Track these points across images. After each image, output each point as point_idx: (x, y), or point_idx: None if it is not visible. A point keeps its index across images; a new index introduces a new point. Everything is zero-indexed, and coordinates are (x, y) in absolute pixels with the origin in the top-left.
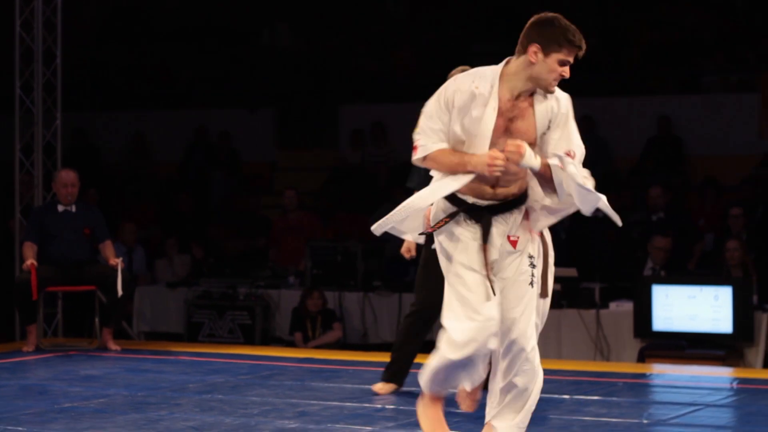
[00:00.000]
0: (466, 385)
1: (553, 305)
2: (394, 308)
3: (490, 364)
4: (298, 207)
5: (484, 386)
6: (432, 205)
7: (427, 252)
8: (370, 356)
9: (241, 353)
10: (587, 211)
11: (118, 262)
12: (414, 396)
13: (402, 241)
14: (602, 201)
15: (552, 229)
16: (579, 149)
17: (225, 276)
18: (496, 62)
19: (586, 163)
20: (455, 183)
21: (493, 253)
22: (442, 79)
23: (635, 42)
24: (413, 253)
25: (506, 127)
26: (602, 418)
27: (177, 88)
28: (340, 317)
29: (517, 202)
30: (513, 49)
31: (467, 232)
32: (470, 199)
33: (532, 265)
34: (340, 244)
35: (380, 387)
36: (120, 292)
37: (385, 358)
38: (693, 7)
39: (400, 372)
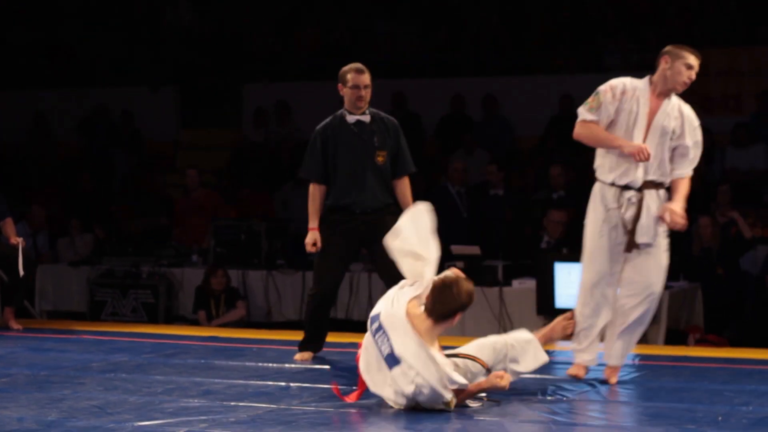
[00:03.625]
0: None
1: None
2: (298, 286)
3: None
4: (200, 186)
5: None
6: None
7: (325, 240)
8: (273, 334)
9: (144, 332)
10: None
11: (19, 242)
12: (319, 373)
13: (305, 221)
14: None
15: (453, 207)
16: None
17: (128, 255)
18: (399, 42)
19: (488, 143)
20: None
21: None
22: (346, 58)
23: (538, 21)
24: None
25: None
26: (505, 395)
27: (79, 67)
28: (244, 296)
29: None
30: (416, 29)
31: None
32: None
33: None
34: (244, 222)
35: (299, 356)
36: (21, 273)
37: (288, 336)
38: None
39: (315, 344)
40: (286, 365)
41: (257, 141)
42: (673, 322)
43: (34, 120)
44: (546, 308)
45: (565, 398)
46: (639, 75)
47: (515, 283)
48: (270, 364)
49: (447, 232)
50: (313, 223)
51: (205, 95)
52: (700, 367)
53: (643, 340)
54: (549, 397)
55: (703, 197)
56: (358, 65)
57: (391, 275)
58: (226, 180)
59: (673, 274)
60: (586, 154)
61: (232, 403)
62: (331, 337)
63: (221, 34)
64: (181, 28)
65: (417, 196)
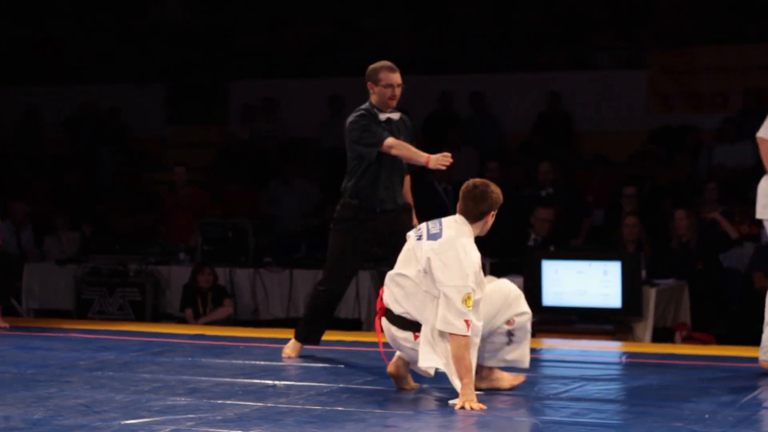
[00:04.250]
0: None
1: None
2: (285, 284)
3: None
4: (187, 183)
5: None
6: None
7: (343, 238)
8: (260, 332)
9: (131, 330)
10: None
11: None
12: (306, 371)
13: (292, 219)
14: None
15: (440, 204)
16: None
17: (115, 252)
18: (387, 39)
19: (476, 139)
20: None
21: None
22: (333, 55)
23: (526, 18)
24: None
25: None
26: (493, 390)
27: (66, 64)
28: (231, 293)
29: None
30: (403, 26)
31: None
32: None
33: None
34: (231, 220)
35: (290, 349)
36: None
37: (275, 334)
38: None
39: (312, 339)
40: (274, 363)
41: (244, 138)
42: (659, 319)
43: (24, 116)
44: (533, 306)
45: (551, 396)
46: (628, 72)
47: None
48: (257, 362)
49: None
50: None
51: (192, 92)
52: (686, 365)
53: (630, 337)
54: (535, 395)
55: (690, 194)
56: (389, 63)
57: None
58: (213, 177)
59: (658, 271)
60: (574, 151)
61: (219, 402)
62: None
63: (209, 30)
64: (169, 24)
65: None
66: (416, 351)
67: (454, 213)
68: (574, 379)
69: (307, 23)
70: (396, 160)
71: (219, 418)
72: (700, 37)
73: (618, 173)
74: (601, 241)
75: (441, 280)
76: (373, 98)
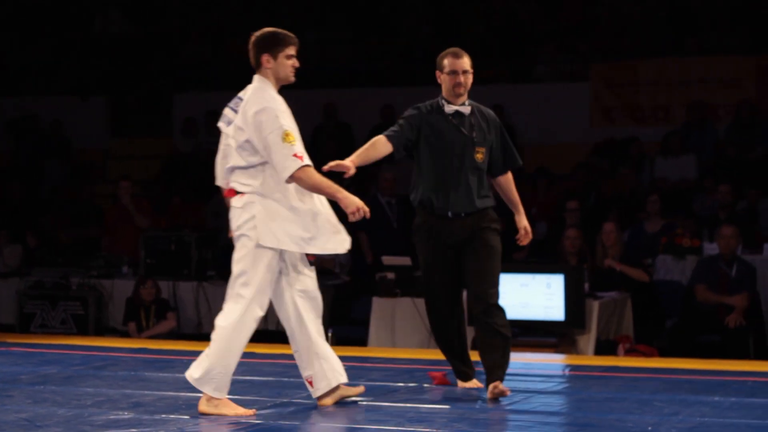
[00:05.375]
0: None
1: (387, 293)
2: None
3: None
4: (131, 196)
5: None
6: None
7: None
8: (204, 346)
9: (73, 344)
10: None
11: None
12: (250, 385)
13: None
14: None
15: (384, 218)
16: None
17: (57, 266)
18: (329, 51)
19: None
20: None
21: None
22: None
23: (468, 31)
24: None
25: None
26: (437, 405)
27: (7, 75)
28: (174, 307)
29: None
30: (346, 37)
31: None
32: None
33: None
34: (174, 233)
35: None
36: None
37: None
38: None
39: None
40: None
41: (187, 150)
42: (603, 332)
43: None
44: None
45: (495, 409)
46: (570, 85)
47: None
48: None
49: (378, 242)
50: (354, 159)
51: (135, 104)
52: (629, 377)
53: (573, 350)
54: (479, 409)
55: (633, 207)
56: (456, 49)
57: (471, 288)
58: (156, 190)
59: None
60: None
61: (163, 416)
62: (261, 348)
63: (151, 43)
64: (111, 36)
65: None
66: (236, 183)
67: (398, 227)
68: (518, 391)
69: (249, 36)
70: (467, 156)
71: None
72: (642, 51)
73: (561, 186)
74: (544, 254)
75: (258, 134)
76: (443, 88)
